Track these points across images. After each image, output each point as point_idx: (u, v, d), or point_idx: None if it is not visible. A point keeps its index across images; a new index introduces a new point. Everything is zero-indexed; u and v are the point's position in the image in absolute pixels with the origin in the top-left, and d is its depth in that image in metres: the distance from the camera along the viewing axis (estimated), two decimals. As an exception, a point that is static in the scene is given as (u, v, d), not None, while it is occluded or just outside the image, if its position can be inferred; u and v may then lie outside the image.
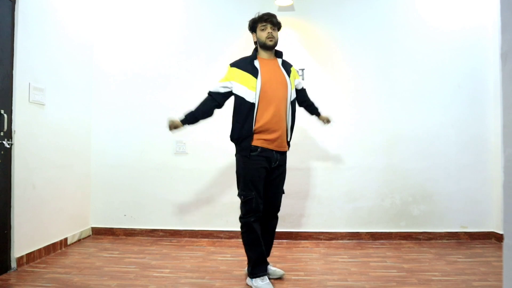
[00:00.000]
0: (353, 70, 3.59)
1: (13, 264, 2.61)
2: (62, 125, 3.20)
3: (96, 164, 3.70)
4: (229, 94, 2.39)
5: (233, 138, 2.40)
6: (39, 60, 2.89)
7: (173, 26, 3.69)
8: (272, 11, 3.58)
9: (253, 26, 2.41)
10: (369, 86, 3.57)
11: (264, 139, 2.31)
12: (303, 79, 3.58)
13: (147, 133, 3.67)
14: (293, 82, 2.45)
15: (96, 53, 3.71)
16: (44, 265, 2.74)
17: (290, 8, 3.61)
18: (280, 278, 2.47)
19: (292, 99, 2.40)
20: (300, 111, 2.72)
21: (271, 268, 2.51)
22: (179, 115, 2.40)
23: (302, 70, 3.58)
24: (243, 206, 2.34)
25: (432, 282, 2.40)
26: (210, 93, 2.40)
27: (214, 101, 2.39)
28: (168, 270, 2.66)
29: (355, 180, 3.55)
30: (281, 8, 3.62)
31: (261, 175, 2.34)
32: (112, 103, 3.70)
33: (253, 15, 3.64)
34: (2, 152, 2.52)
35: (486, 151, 3.50)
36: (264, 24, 2.34)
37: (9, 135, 2.58)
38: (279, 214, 2.58)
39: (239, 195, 2.36)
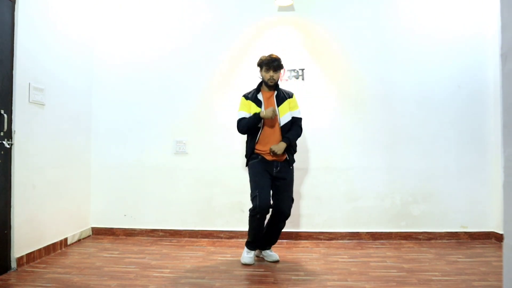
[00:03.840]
0: (353, 70, 3.58)
1: (13, 264, 2.61)
2: (62, 125, 3.20)
3: (96, 164, 3.69)
4: None
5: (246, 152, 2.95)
6: (39, 60, 2.89)
7: (173, 26, 3.69)
8: (272, 11, 3.62)
9: (260, 65, 2.88)
10: (369, 86, 3.57)
11: (262, 151, 2.82)
12: (303, 79, 3.58)
13: (147, 133, 3.68)
14: (286, 111, 2.85)
15: (96, 53, 3.71)
16: (44, 265, 2.74)
17: (290, 8, 3.61)
18: (276, 262, 2.85)
19: (283, 124, 2.82)
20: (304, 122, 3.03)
21: (268, 252, 2.91)
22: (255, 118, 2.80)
23: (302, 70, 3.58)
24: (252, 203, 2.76)
25: (432, 282, 2.39)
26: (239, 120, 2.86)
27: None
28: (168, 270, 2.66)
29: (355, 180, 3.55)
30: (281, 8, 3.62)
31: (264, 176, 2.77)
32: (112, 103, 3.70)
33: (253, 13, 3.67)
34: (2, 152, 2.52)
35: (486, 151, 3.50)
36: (268, 68, 2.81)
37: (9, 135, 2.58)
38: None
39: (250, 196, 2.81)
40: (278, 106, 2.83)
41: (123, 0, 3.74)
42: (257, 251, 2.94)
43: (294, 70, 3.58)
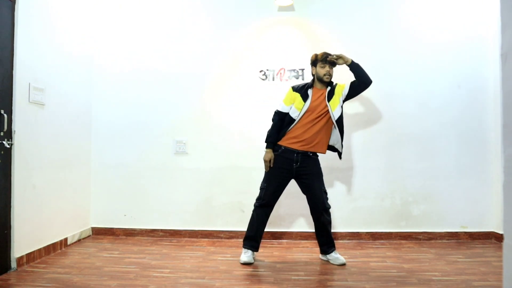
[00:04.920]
0: (353, 70, 3.58)
1: (13, 264, 2.61)
2: (62, 125, 3.20)
3: (96, 164, 3.70)
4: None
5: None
6: (39, 60, 2.89)
7: (172, 25, 3.69)
8: (272, 11, 3.63)
9: (314, 62, 2.87)
10: (369, 86, 3.56)
11: (287, 145, 2.81)
12: (303, 79, 3.58)
13: (147, 133, 3.68)
14: (336, 103, 2.84)
15: (96, 53, 3.71)
16: (44, 265, 2.74)
17: (290, 8, 3.61)
18: (343, 265, 2.77)
19: (336, 119, 2.82)
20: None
21: (333, 255, 2.83)
22: (265, 147, 2.85)
23: (302, 70, 3.58)
24: (259, 193, 2.88)
25: (432, 282, 2.39)
26: (278, 112, 2.88)
27: (281, 117, 2.86)
28: (168, 270, 2.66)
29: (355, 180, 3.55)
30: (281, 8, 3.62)
31: (278, 173, 2.81)
32: (112, 103, 3.71)
33: (252, 13, 3.67)
34: (2, 152, 2.52)
35: (486, 151, 3.50)
36: (324, 63, 2.82)
37: (9, 135, 2.58)
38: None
39: (260, 185, 2.90)
40: (329, 101, 2.81)
41: (124, 1, 3.74)
42: (322, 255, 2.91)
43: (294, 70, 3.59)
